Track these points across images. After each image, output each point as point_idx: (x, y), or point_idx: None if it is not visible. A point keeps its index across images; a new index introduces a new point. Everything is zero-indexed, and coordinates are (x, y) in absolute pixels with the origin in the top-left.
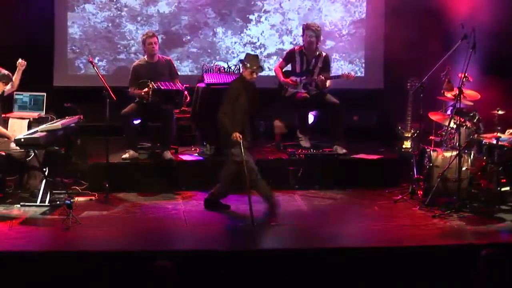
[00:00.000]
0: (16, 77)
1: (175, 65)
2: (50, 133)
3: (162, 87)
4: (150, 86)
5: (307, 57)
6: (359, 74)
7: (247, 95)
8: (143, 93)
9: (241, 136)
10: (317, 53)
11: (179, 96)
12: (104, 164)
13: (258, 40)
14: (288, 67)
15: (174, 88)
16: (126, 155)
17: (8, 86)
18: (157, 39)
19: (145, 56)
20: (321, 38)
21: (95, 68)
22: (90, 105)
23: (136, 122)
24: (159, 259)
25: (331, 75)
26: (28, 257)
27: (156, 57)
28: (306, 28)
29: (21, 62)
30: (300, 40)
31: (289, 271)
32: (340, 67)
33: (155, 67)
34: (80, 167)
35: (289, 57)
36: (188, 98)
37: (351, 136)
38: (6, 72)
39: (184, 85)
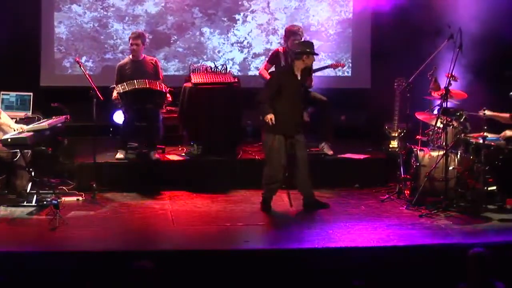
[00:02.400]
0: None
1: (161, 66)
2: (37, 133)
3: (127, 88)
4: (117, 89)
5: (292, 58)
6: (346, 74)
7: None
8: (113, 99)
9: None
10: None
11: (161, 97)
12: (91, 164)
13: (245, 39)
14: (272, 68)
15: (148, 86)
16: (120, 155)
17: None
18: (141, 40)
19: (130, 55)
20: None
21: (81, 68)
22: (77, 105)
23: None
24: (145, 260)
25: (319, 67)
26: (15, 257)
27: (141, 56)
28: (289, 32)
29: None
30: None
31: (275, 271)
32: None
33: (140, 65)
34: (67, 167)
35: (273, 58)
36: (170, 98)
37: (338, 135)
38: None
39: (169, 88)
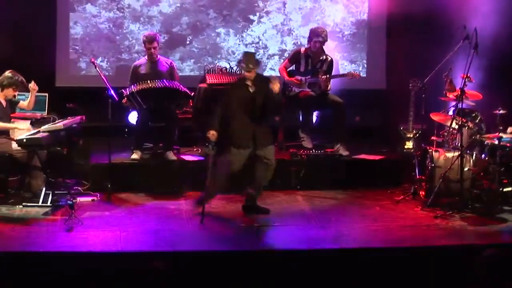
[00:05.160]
0: (31, 100)
1: (176, 67)
2: (52, 134)
3: (133, 89)
4: (124, 93)
5: (312, 60)
6: (361, 74)
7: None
8: (123, 102)
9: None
10: (323, 57)
11: (186, 100)
12: (106, 164)
13: (260, 40)
14: (292, 67)
15: (167, 86)
16: (135, 156)
17: (24, 103)
18: (157, 43)
19: (146, 56)
20: (327, 40)
21: (97, 68)
22: (92, 105)
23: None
24: (159, 260)
25: (334, 73)
26: (30, 257)
27: (156, 58)
28: (314, 34)
29: (32, 86)
30: (303, 40)
31: (290, 271)
32: (342, 66)
33: (155, 66)
34: (82, 168)
35: (294, 57)
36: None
37: (353, 136)
38: (20, 78)
39: (192, 93)
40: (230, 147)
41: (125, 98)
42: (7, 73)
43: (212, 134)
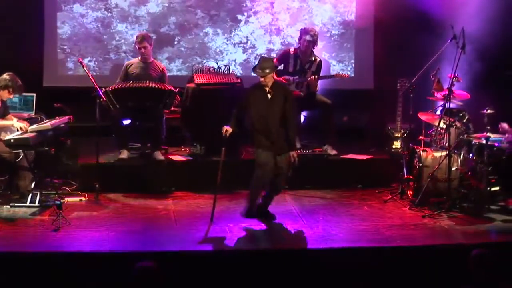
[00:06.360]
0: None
1: (167, 71)
2: (40, 134)
3: (108, 89)
4: (103, 90)
5: (301, 61)
6: (349, 74)
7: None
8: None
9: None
10: (312, 58)
11: (171, 97)
12: (94, 164)
13: (248, 40)
14: (280, 67)
15: (149, 86)
16: (123, 156)
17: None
18: (148, 43)
19: (139, 57)
20: (317, 43)
21: (84, 68)
22: (80, 105)
23: (126, 122)
24: (147, 260)
25: (323, 74)
26: (18, 258)
27: (149, 59)
28: (304, 32)
29: (21, 125)
30: (290, 40)
31: (278, 271)
32: (330, 67)
33: (146, 67)
34: (70, 168)
35: (283, 58)
36: (178, 98)
37: (341, 136)
38: (19, 83)
39: (178, 89)
40: (257, 149)
41: (103, 98)
42: (5, 76)
43: (226, 130)
